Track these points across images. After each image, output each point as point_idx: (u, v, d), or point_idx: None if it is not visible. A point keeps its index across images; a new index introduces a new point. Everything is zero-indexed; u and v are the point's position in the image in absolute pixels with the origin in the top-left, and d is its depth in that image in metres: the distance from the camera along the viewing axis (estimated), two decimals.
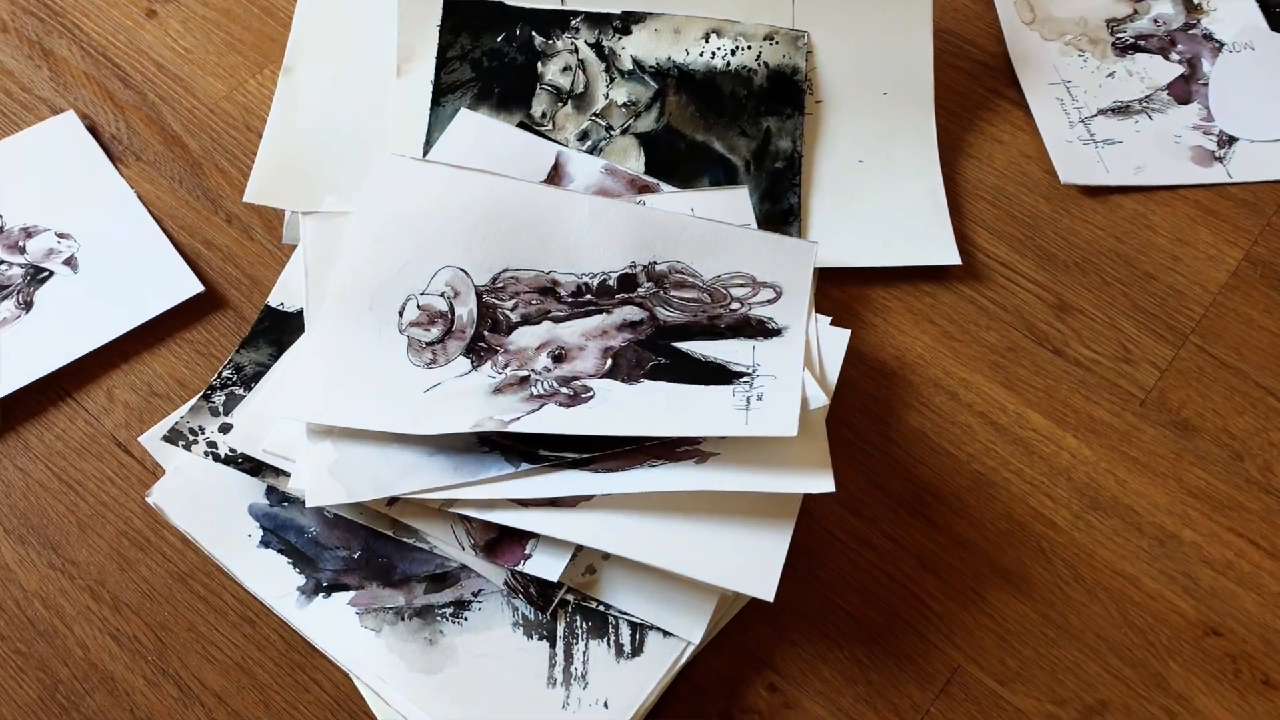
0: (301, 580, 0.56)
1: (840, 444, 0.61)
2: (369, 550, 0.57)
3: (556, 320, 0.62)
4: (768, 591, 0.53)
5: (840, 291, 0.69)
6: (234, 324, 0.67)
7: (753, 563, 0.54)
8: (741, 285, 0.64)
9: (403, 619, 0.56)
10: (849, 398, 0.64)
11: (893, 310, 0.69)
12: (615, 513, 0.55)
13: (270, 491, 0.59)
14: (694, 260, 0.64)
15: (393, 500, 0.56)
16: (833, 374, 0.61)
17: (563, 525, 0.55)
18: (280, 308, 0.64)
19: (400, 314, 0.61)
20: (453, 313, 0.62)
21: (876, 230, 0.70)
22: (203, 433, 0.58)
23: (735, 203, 0.68)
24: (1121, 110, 0.77)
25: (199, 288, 0.67)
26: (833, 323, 0.63)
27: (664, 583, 0.56)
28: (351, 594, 0.56)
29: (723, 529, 0.55)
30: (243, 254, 0.69)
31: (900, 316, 0.68)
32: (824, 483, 0.54)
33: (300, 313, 0.63)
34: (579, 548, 0.55)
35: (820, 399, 0.57)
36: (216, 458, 0.57)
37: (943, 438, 0.64)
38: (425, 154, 0.70)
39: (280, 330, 0.63)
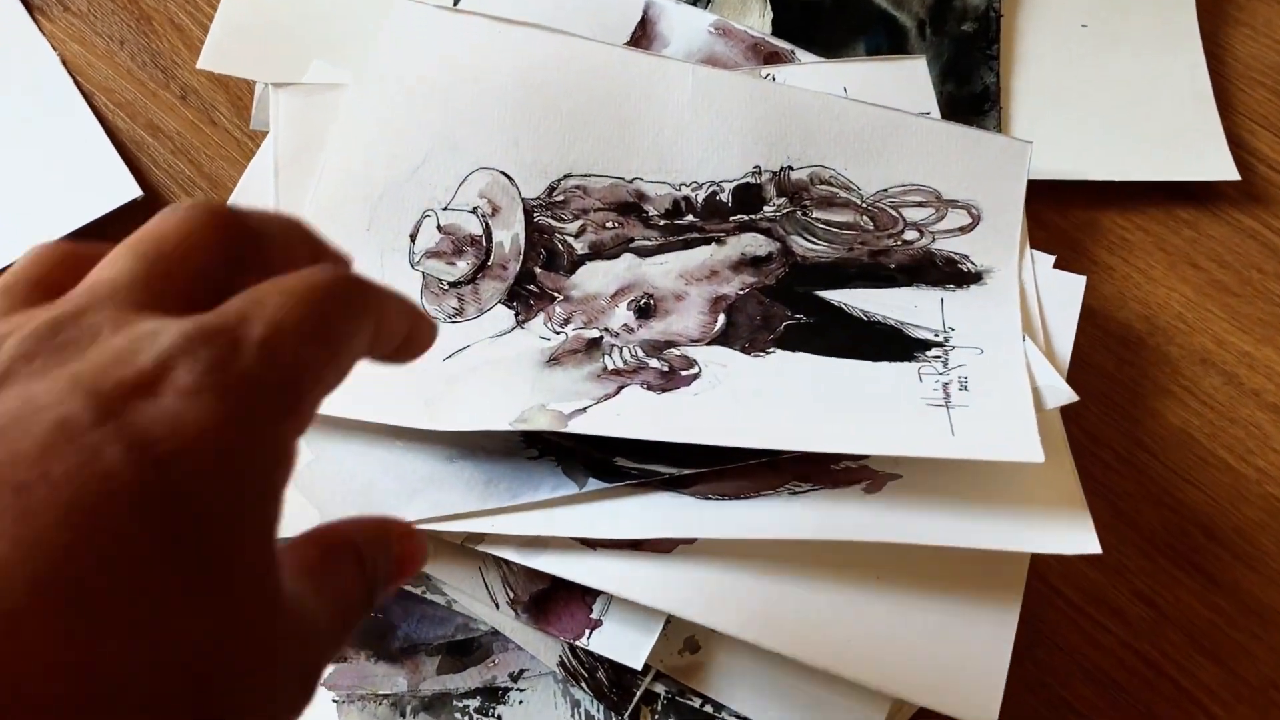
0: None
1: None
2: None
3: (642, 253, 0.42)
4: (987, 716, 0.33)
5: (1059, 217, 0.47)
6: None
7: (957, 663, 0.34)
8: (920, 204, 0.42)
9: (403, 715, 0.36)
10: (1077, 378, 0.42)
11: (1136, 247, 0.47)
12: (733, 566, 0.35)
13: None
14: (848, 166, 0.43)
15: None
16: (1064, 345, 0.40)
17: (650, 581, 0.35)
18: None
19: (412, 239, 0.41)
20: (489, 238, 0.41)
21: (1110, 127, 0.48)
22: None
23: (908, 79, 0.46)
24: None
25: (137, 192, 0.47)
26: (1056, 264, 0.42)
27: (804, 676, 0.36)
28: (330, 668, 0.37)
29: (905, 602, 0.34)
30: (201, 144, 0.49)
31: (1148, 256, 0.46)
32: (1080, 538, 0.33)
33: None
34: (672, 615, 0.36)
35: (1061, 391, 0.37)
36: None
37: (1218, 443, 0.42)
38: (457, 1, 0.49)
39: None
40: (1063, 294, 0.41)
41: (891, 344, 0.39)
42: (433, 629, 0.37)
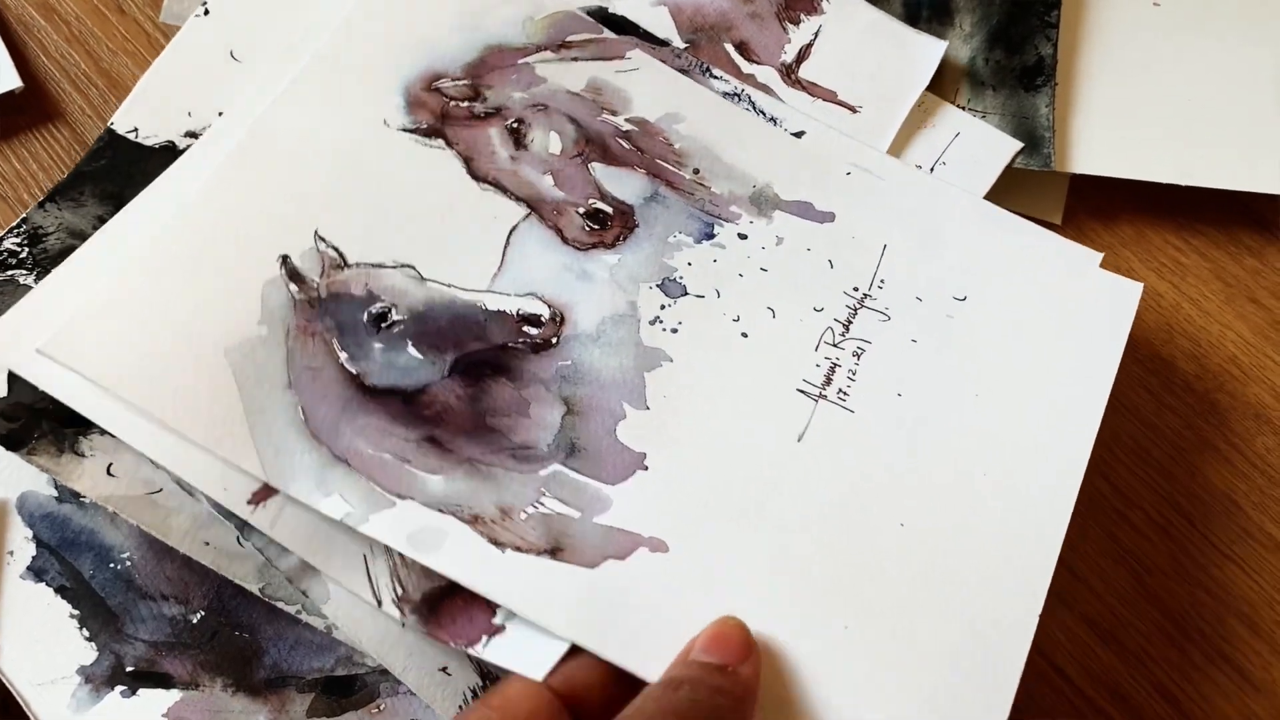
0: (89, 654, 0.30)
1: (1087, 500, 0.34)
2: (219, 612, 0.31)
3: None
4: None
5: (1103, 228, 0.40)
6: (67, 152, 0.39)
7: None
8: None
9: None
10: (1107, 421, 0.36)
11: (1190, 272, 0.40)
12: (675, 603, 0.28)
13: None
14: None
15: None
16: (1105, 371, 0.34)
17: (567, 602, 0.28)
18: (133, 136, 0.36)
19: None
20: None
21: (1176, 122, 0.41)
22: None
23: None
24: None
25: (17, 82, 0.39)
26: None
27: None
28: (176, 696, 0.30)
29: (878, 661, 0.28)
30: (104, 33, 0.41)
31: (1202, 285, 0.40)
32: None
33: (167, 149, 0.35)
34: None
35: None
36: None
37: (1267, 515, 0.36)
38: None
39: (126, 174, 0.35)
40: (1111, 303, 0.34)
41: None
42: (308, 659, 0.30)
